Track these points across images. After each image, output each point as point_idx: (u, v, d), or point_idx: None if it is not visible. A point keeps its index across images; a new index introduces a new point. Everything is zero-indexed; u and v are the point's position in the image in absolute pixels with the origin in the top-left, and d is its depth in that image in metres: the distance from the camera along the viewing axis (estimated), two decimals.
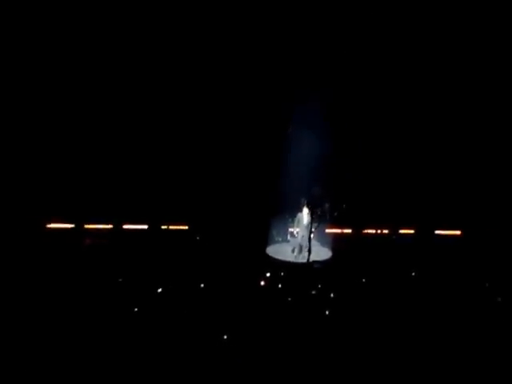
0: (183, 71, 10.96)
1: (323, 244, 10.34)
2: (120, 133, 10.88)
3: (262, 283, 8.14)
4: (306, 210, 9.55)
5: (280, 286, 8.23)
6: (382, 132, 11.44)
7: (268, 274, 8.48)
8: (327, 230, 10.50)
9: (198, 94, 10.99)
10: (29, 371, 5.05)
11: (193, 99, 11.03)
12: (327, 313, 7.18)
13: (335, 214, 9.80)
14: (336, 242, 10.44)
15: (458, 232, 11.66)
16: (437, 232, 11.53)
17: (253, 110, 11.03)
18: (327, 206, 9.60)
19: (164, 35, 10.81)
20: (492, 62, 11.61)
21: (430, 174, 11.67)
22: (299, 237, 9.63)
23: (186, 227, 10.52)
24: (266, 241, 10.06)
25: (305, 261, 9.44)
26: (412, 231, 11.79)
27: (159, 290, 7.39)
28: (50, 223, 10.67)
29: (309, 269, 9.27)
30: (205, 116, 10.95)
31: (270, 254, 9.74)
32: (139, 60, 10.96)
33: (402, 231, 11.87)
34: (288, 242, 10.04)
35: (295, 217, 9.80)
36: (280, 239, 10.38)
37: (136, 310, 6.77)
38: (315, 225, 9.44)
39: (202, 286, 7.82)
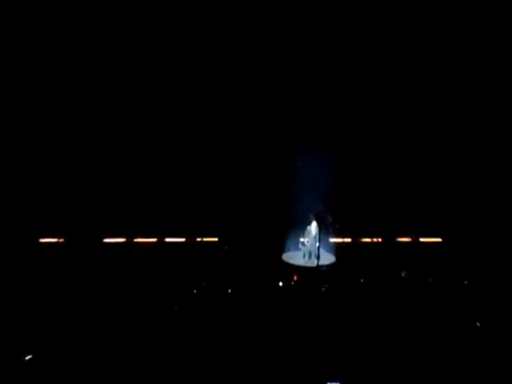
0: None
1: (328, 251, 11.57)
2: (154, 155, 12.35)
3: (280, 284, 9.40)
4: (314, 224, 11.12)
5: (293, 285, 9.52)
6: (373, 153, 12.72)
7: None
8: (331, 240, 11.73)
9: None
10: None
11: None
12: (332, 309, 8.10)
13: (337, 226, 11.48)
14: (338, 249, 11.62)
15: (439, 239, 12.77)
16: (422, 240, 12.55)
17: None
18: (330, 220, 11.27)
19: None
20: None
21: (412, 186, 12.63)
22: (309, 245, 11.15)
23: (217, 239, 12.19)
24: (281, 249, 11.57)
25: (314, 265, 10.78)
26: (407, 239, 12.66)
27: (195, 291, 8.87)
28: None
29: (317, 271, 10.62)
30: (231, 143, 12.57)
31: (284, 260, 11.24)
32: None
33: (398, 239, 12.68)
34: (299, 249, 11.41)
35: (305, 229, 11.25)
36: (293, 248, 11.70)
37: (176, 308, 8.06)
38: (322, 235, 10.92)
39: (230, 291, 9.05)
